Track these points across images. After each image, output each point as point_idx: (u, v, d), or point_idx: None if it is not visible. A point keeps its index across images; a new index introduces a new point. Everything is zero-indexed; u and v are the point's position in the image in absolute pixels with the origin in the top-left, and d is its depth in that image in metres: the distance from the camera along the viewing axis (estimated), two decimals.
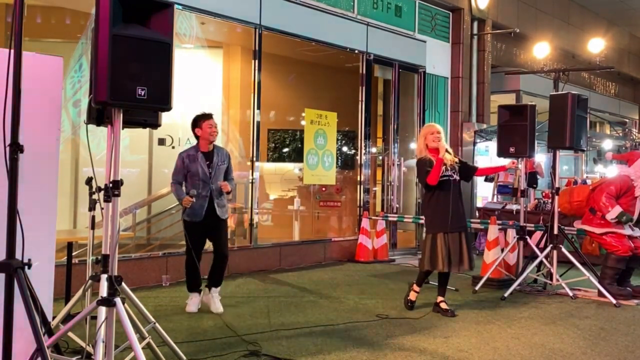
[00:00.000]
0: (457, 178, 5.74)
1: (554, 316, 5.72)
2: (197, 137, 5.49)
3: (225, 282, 7.18)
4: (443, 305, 5.74)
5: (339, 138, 10.50)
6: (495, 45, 13.18)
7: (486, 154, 12.25)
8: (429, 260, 5.61)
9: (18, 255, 2.78)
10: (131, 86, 3.04)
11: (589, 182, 9.47)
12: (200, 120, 5.44)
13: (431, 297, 5.96)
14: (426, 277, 5.87)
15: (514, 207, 9.76)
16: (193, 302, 5.58)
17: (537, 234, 7.75)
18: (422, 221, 5.94)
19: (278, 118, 11.28)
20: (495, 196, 11.30)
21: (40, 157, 3.51)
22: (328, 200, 10.82)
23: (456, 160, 5.80)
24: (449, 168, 5.66)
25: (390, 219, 9.83)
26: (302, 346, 4.52)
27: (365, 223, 9.35)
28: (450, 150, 5.78)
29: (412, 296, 5.91)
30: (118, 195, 3.21)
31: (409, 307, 5.85)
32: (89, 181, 4.04)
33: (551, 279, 6.87)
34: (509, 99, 13.57)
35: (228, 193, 5.52)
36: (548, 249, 6.78)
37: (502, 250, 7.39)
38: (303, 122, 9.43)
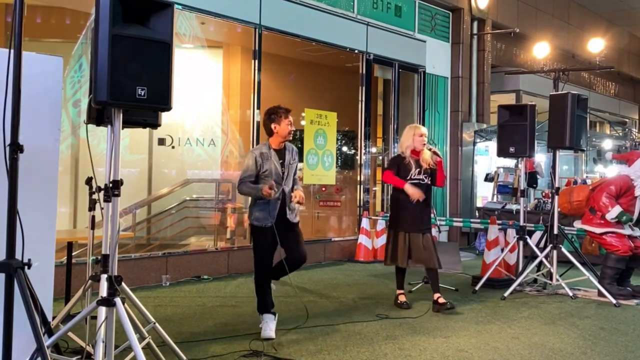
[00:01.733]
0: (428, 182, 5.86)
1: (554, 316, 5.72)
2: (270, 132, 4.89)
3: (225, 282, 7.21)
4: (440, 300, 5.78)
5: (339, 138, 10.50)
6: (495, 45, 13.19)
7: (486, 154, 12.26)
8: (390, 257, 5.84)
9: (18, 255, 2.78)
10: (131, 86, 3.04)
11: (589, 182, 9.47)
12: (280, 115, 4.85)
13: (431, 297, 5.95)
14: (401, 277, 6.01)
15: (514, 207, 9.76)
16: (269, 327, 4.74)
17: (537, 234, 7.75)
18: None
19: None
20: (495, 196, 11.30)
21: (40, 157, 3.51)
22: (328, 200, 10.82)
23: (432, 166, 5.84)
24: (422, 171, 5.79)
25: None
26: (302, 346, 4.52)
27: (365, 223, 9.35)
28: (438, 152, 5.92)
29: (401, 298, 5.98)
30: (118, 195, 3.21)
31: (405, 307, 5.88)
32: (89, 181, 4.03)
33: (551, 279, 6.87)
34: (509, 99, 13.59)
35: (300, 204, 4.96)
36: (548, 249, 6.78)
37: (502, 250, 7.39)
38: (303, 122, 9.43)
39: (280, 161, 4.84)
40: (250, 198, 5.03)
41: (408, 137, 5.85)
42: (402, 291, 6.03)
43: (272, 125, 4.84)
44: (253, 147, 8.27)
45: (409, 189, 5.66)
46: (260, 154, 4.82)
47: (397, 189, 5.80)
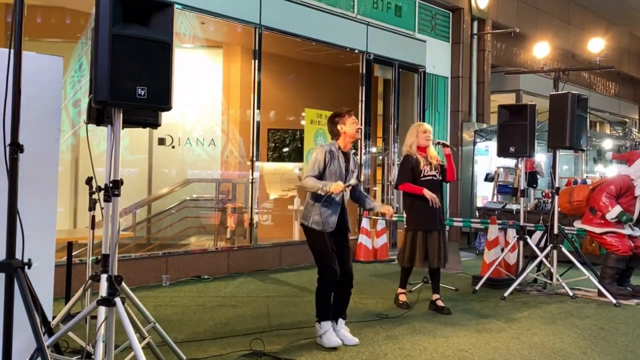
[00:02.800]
0: (440, 178, 5.82)
1: (554, 316, 5.72)
2: (336, 134, 4.76)
3: (225, 282, 7.21)
4: (439, 303, 5.78)
5: None
6: (495, 45, 13.19)
7: (486, 154, 12.25)
8: (409, 258, 5.75)
9: (18, 255, 2.78)
10: (131, 86, 3.04)
11: (589, 182, 9.47)
12: (344, 115, 4.75)
13: (431, 296, 5.95)
14: (407, 276, 5.99)
15: (514, 207, 9.76)
16: (333, 335, 4.58)
17: (537, 234, 7.75)
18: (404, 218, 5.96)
19: (278, 118, 11.27)
20: (495, 196, 11.30)
21: (40, 157, 3.51)
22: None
23: (441, 162, 5.84)
24: (433, 167, 5.75)
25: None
26: (302, 346, 4.52)
27: (365, 223, 9.35)
28: (447, 143, 5.93)
29: (402, 298, 5.97)
30: (118, 195, 3.21)
31: (405, 307, 5.88)
32: (89, 181, 4.03)
33: (551, 279, 6.87)
34: (509, 99, 13.58)
35: (390, 218, 4.91)
36: (548, 248, 6.78)
37: (502, 250, 7.39)
38: (303, 122, 9.43)
39: (345, 164, 4.71)
40: (310, 199, 4.75)
41: (412, 134, 5.83)
42: (403, 290, 6.02)
43: (339, 127, 4.73)
44: (253, 147, 8.28)
45: (427, 193, 5.58)
46: (330, 150, 4.67)
47: (411, 196, 5.74)
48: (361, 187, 5.06)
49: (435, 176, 5.74)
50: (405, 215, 5.97)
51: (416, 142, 5.78)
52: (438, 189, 5.75)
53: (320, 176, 4.61)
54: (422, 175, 5.69)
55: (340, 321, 4.71)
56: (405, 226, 5.92)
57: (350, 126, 4.72)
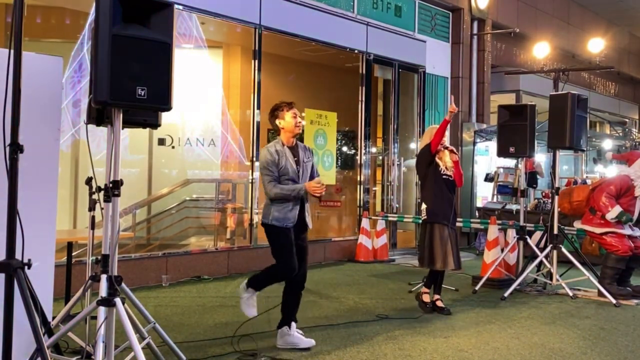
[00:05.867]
0: (453, 179, 5.84)
1: (554, 316, 5.72)
2: (276, 129, 4.66)
3: (225, 282, 7.21)
4: (439, 304, 5.77)
5: (339, 138, 10.51)
6: (495, 45, 13.19)
7: (486, 154, 12.25)
8: (429, 257, 5.59)
9: (18, 255, 2.78)
10: (131, 86, 3.04)
11: (589, 182, 9.47)
12: (283, 109, 4.60)
13: (430, 297, 5.95)
14: (437, 279, 5.81)
15: (514, 207, 9.76)
16: (253, 307, 4.66)
17: (537, 234, 7.75)
18: (423, 214, 5.77)
19: None
20: (495, 196, 11.30)
21: (40, 157, 3.51)
22: (328, 200, 10.81)
23: (452, 165, 5.82)
24: (449, 168, 5.76)
25: (390, 219, 9.83)
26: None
27: (365, 223, 9.35)
28: (455, 150, 5.86)
29: (426, 298, 5.84)
30: (118, 195, 3.21)
31: (429, 309, 5.73)
32: (88, 181, 4.03)
33: (551, 279, 6.87)
34: (509, 99, 13.58)
35: (320, 198, 4.71)
36: (548, 249, 6.78)
37: (502, 250, 7.39)
38: (303, 122, 9.42)
39: (295, 159, 4.56)
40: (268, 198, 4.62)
41: (427, 137, 5.84)
42: (428, 290, 5.83)
43: (277, 122, 4.60)
44: (253, 147, 8.27)
45: (452, 107, 5.55)
46: (275, 150, 4.53)
47: (426, 178, 5.74)
48: (316, 175, 4.78)
49: (450, 177, 5.77)
50: (424, 208, 5.80)
51: (429, 140, 5.80)
52: (453, 190, 5.79)
53: (279, 177, 4.48)
54: (442, 172, 5.71)
55: (293, 325, 4.57)
56: (427, 219, 5.71)
57: (289, 121, 4.57)
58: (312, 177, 4.63)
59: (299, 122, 4.61)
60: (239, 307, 4.70)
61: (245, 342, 4.55)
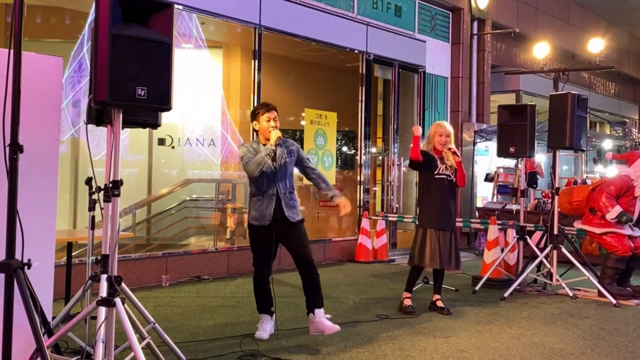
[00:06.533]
0: (454, 180, 5.80)
1: (554, 316, 5.72)
2: (255, 131, 4.82)
3: (225, 283, 7.21)
4: (439, 304, 5.77)
5: (339, 138, 10.50)
6: (495, 45, 13.18)
7: (486, 154, 12.26)
8: (418, 256, 5.65)
9: (18, 255, 2.78)
10: (131, 86, 3.04)
11: (589, 182, 9.47)
12: (258, 112, 4.70)
13: (431, 297, 5.95)
14: (415, 278, 5.87)
15: (514, 207, 9.75)
16: (263, 327, 4.73)
17: (537, 234, 7.75)
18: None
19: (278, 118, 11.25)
20: (495, 196, 11.30)
21: (40, 157, 3.51)
22: (328, 200, 10.79)
23: (455, 165, 5.79)
24: (448, 168, 5.73)
25: (390, 219, 9.83)
26: (302, 346, 4.52)
27: (365, 223, 9.35)
28: (458, 153, 5.83)
29: (407, 302, 5.80)
30: (118, 195, 3.21)
31: (410, 311, 5.71)
32: (88, 181, 4.03)
33: (551, 279, 6.87)
34: (509, 99, 13.58)
35: (331, 198, 4.83)
36: (548, 249, 6.78)
37: (502, 250, 7.39)
38: (303, 122, 9.43)
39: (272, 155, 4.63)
40: (249, 198, 4.85)
41: (430, 136, 5.82)
42: (409, 295, 5.84)
43: (253, 124, 4.76)
44: None
45: (416, 131, 5.63)
46: (252, 147, 4.68)
47: (424, 186, 5.76)
48: (318, 170, 5.00)
49: (449, 176, 5.73)
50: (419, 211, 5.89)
51: (432, 142, 5.79)
52: (448, 189, 5.74)
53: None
54: (437, 172, 5.69)
55: (318, 311, 4.58)
56: (417, 222, 5.84)
57: (263, 125, 4.67)
58: (304, 171, 4.88)
59: (273, 127, 4.65)
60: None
61: (245, 342, 4.55)
